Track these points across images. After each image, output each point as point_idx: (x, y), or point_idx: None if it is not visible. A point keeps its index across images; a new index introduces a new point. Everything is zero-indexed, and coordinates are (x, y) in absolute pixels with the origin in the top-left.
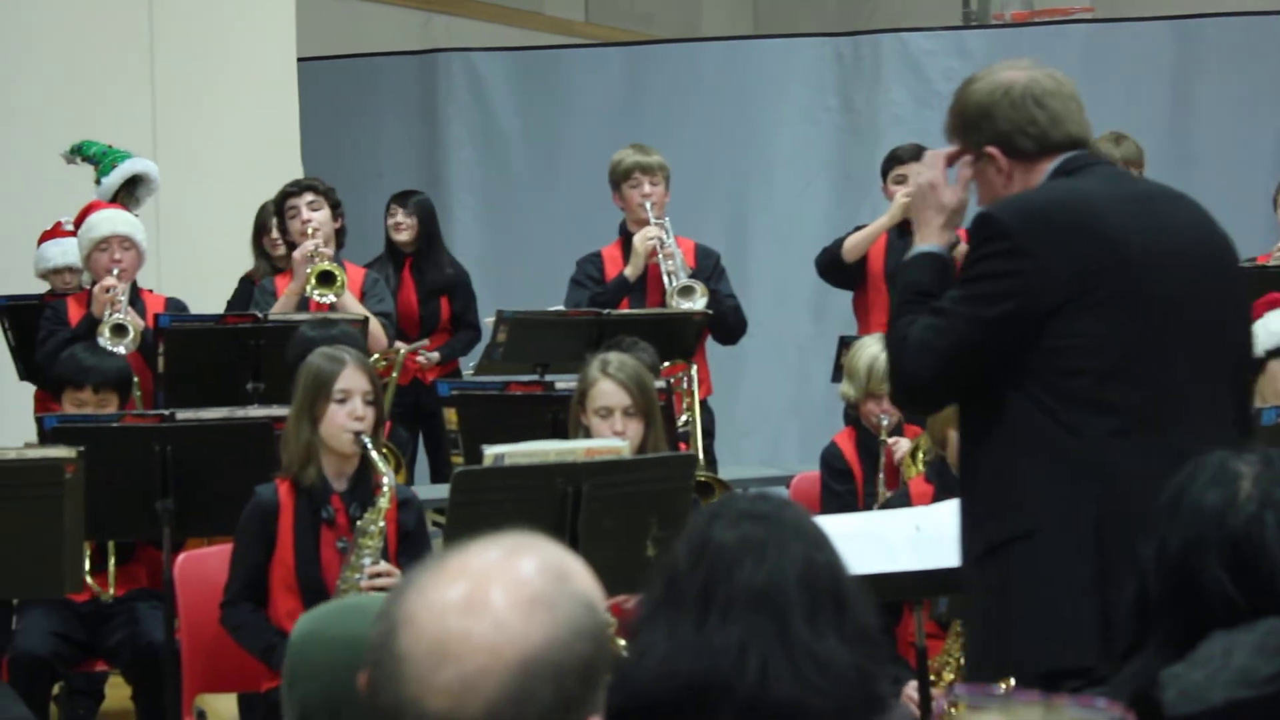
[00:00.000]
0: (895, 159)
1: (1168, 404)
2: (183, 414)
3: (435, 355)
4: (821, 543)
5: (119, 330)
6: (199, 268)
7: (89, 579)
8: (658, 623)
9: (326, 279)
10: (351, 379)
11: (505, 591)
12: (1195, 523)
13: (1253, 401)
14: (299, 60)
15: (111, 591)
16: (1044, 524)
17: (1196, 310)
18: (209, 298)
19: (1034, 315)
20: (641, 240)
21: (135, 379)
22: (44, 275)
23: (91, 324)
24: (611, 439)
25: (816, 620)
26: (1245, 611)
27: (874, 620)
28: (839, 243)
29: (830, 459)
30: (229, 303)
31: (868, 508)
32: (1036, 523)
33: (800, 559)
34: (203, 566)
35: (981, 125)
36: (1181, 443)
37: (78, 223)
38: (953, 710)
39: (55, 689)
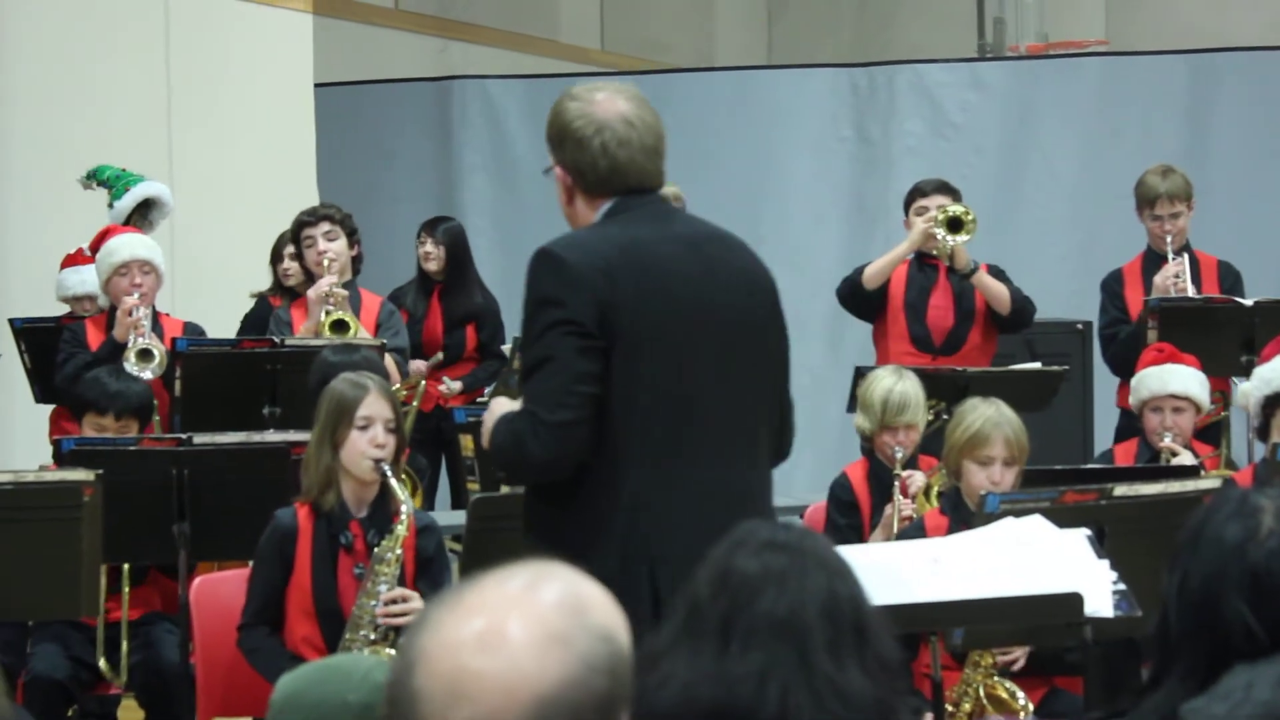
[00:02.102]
0: (918, 192)
1: (699, 440)
2: (200, 438)
3: (457, 385)
4: (844, 573)
5: (145, 355)
6: (213, 291)
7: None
8: (679, 651)
9: (339, 327)
10: (374, 406)
11: (522, 627)
12: (1216, 556)
13: (790, 434)
14: (315, 85)
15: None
16: (591, 554)
17: (730, 348)
18: (222, 321)
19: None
20: None
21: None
22: (65, 300)
23: (114, 348)
24: None
25: (838, 650)
26: (1267, 645)
27: (895, 651)
28: (859, 271)
29: (838, 490)
30: (245, 318)
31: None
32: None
33: (822, 589)
34: (218, 590)
35: (558, 145)
36: (712, 476)
37: (94, 247)
38: None
39: (69, 712)
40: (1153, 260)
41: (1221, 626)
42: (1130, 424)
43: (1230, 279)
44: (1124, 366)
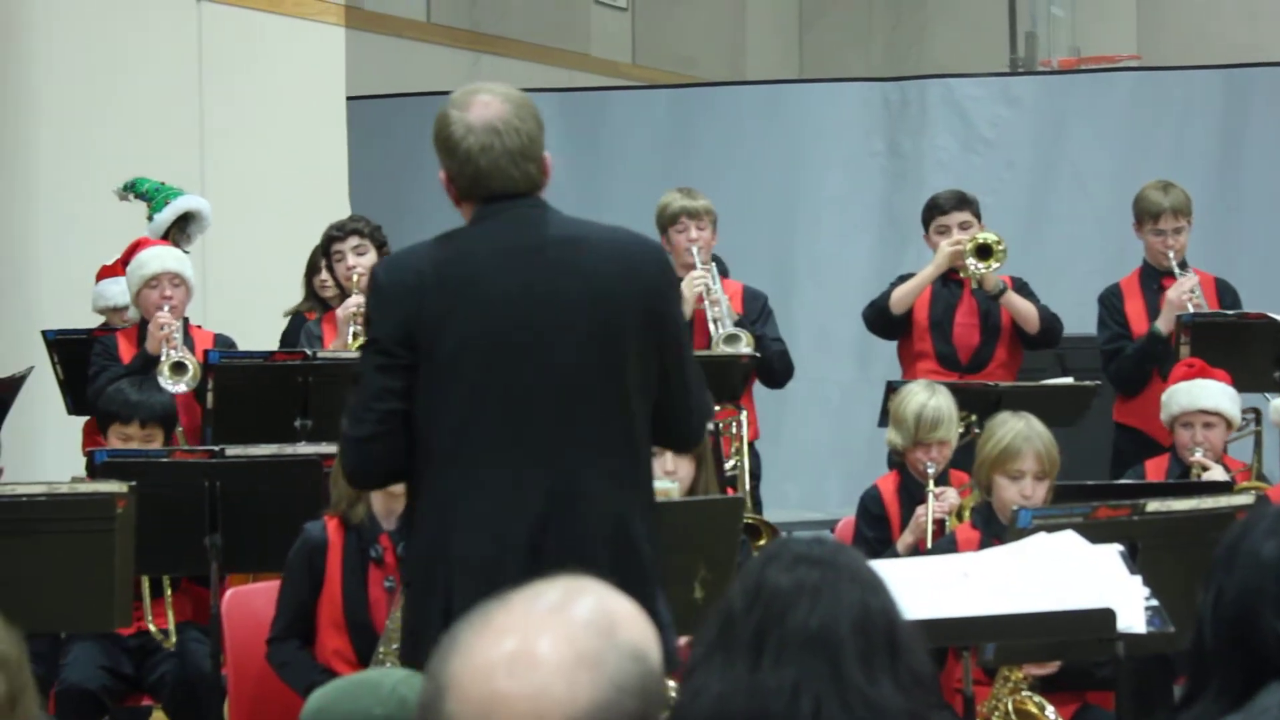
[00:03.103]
0: (936, 208)
1: (506, 444)
2: (232, 450)
3: None
4: (877, 587)
5: (179, 368)
6: (245, 304)
7: (151, 624)
8: (712, 664)
9: None
10: None
11: (552, 648)
12: (1252, 573)
13: (691, 419)
14: (348, 98)
15: (172, 629)
16: (413, 562)
17: (558, 353)
18: (255, 333)
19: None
20: (688, 286)
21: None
22: (102, 311)
23: (146, 361)
24: (661, 480)
25: (870, 664)
26: None
27: (928, 665)
28: (885, 295)
29: (868, 503)
30: (283, 335)
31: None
32: (412, 560)
33: (855, 603)
34: (250, 602)
35: (438, 151)
36: (523, 478)
37: (125, 260)
38: None
39: None
40: (1151, 275)
41: (1257, 643)
42: (1130, 442)
43: (1229, 297)
44: (1127, 383)
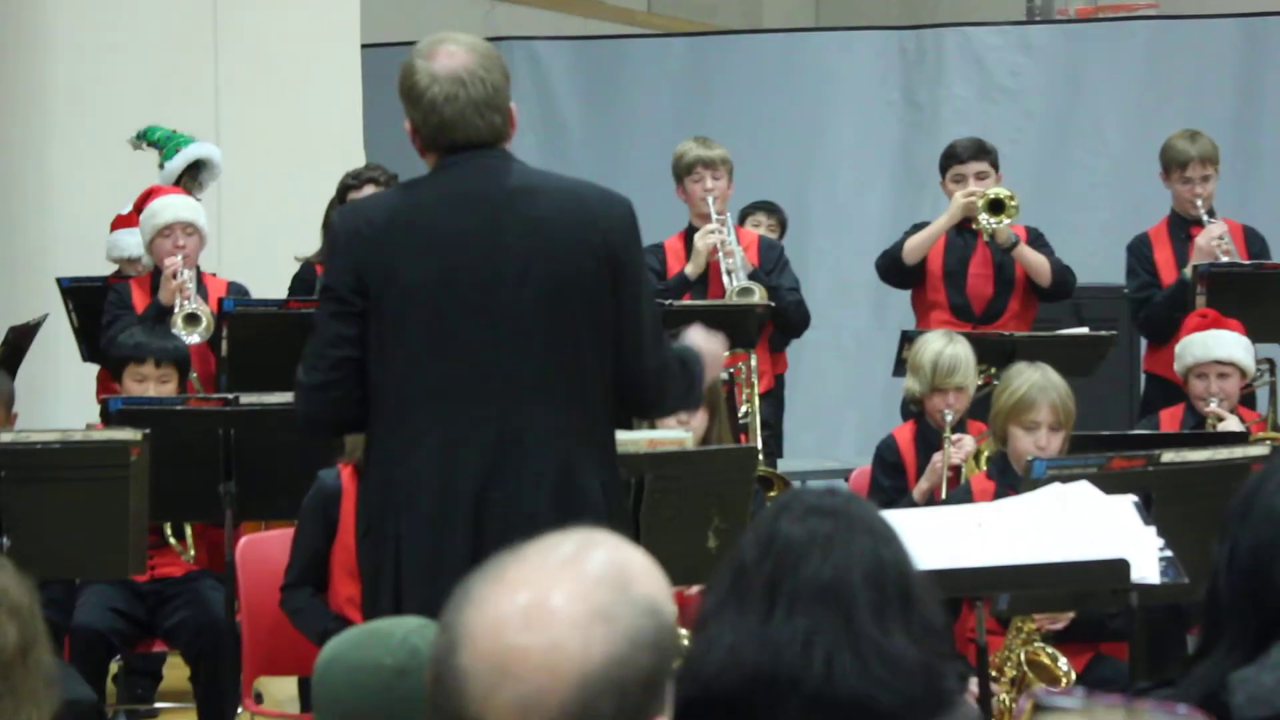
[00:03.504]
0: (953, 157)
1: (451, 395)
2: (246, 398)
3: None
4: (890, 538)
5: (192, 319)
6: (261, 252)
7: (174, 542)
8: (724, 615)
9: None
10: None
11: (566, 602)
12: (1266, 526)
13: (652, 385)
14: (363, 46)
15: (192, 553)
16: (366, 508)
17: (509, 303)
18: (270, 282)
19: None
20: (702, 239)
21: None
22: (116, 261)
23: (160, 311)
24: (675, 430)
25: (883, 616)
26: None
27: (941, 617)
28: (899, 245)
29: (884, 452)
30: (290, 287)
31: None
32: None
33: (868, 554)
34: (264, 549)
35: (404, 101)
36: (465, 430)
37: (138, 208)
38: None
39: (114, 669)
40: (1179, 224)
41: (1271, 596)
42: (1160, 391)
43: (1257, 244)
44: (1157, 331)
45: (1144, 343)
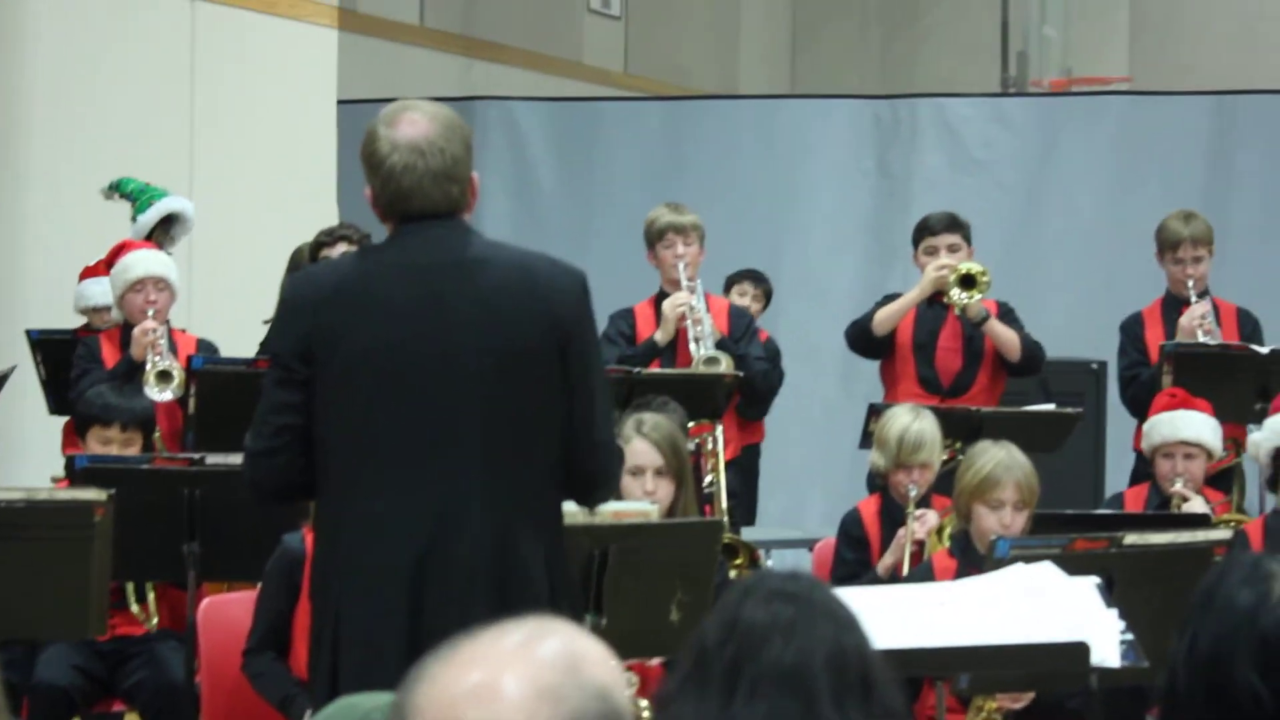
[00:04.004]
0: (926, 229)
1: (388, 471)
2: (212, 458)
3: None
4: (851, 625)
5: (164, 376)
6: (232, 308)
7: (136, 608)
8: (686, 698)
9: None
10: None
11: (515, 682)
12: (1226, 621)
13: (595, 461)
14: (339, 102)
15: (155, 620)
16: (313, 572)
17: (450, 378)
18: (241, 337)
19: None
20: (671, 306)
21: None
22: (84, 311)
23: (130, 366)
24: (640, 502)
25: (843, 702)
26: (1274, 712)
27: (900, 703)
28: (869, 315)
29: (849, 525)
30: (262, 343)
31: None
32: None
33: (829, 640)
34: (226, 611)
35: (364, 168)
36: (398, 507)
37: (109, 262)
38: None
39: None
40: (1172, 304)
41: (1230, 692)
42: (1145, 467)
43: (1249, 326)
44: (1143, 409)
45: (1133, 421)
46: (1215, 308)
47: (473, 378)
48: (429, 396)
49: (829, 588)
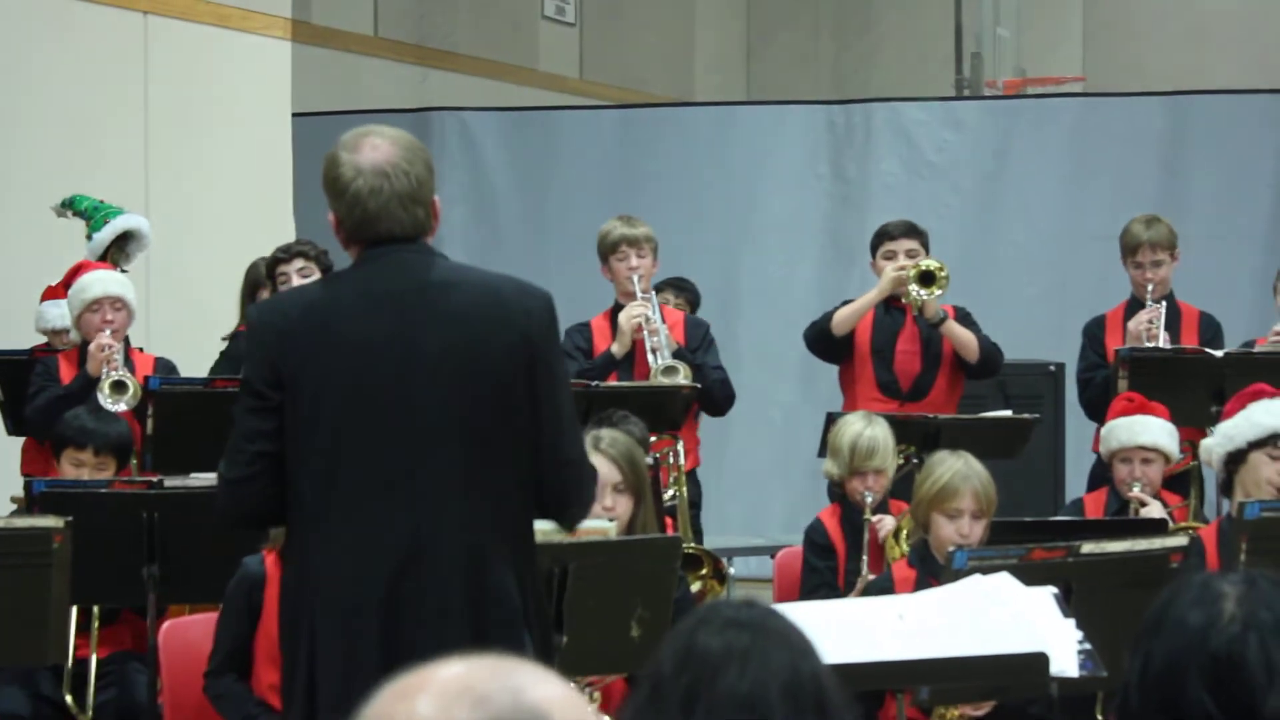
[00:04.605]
0: (885, 235)
1: (357, 496)
2: (171, 481)
3: None
4: (806, 651)
5: (119, 387)
6: (190, 324)
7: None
8: None
9: None
10: None
11: (468, 711)
12: (1178, 641)
13: (568, 484)
14: (294, 115)
15: (94, 655)
16: (285, 601)
17: (420, 402)
18: (199, 355)
19: (283, 405)
20: (626, 318)
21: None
22: (43, 332)
23: (87, 382)
24: (598, 520)
25: None
26: None
27: None
28: (828, 316)
29: (813, 535)
30: (220, 357)
31: (850, 585)
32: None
33: (785, 667)
34: (187, 634)
35: (327, 193)
36: (367, 532)
37: (66, 282)
38: None
39: None
40: (1136, 308)
41: (1182, 712)
42: (1103, 470)
43: (1210, 331)
44: (1099, 412)
45: (1092, 423)
46: (1178, 311)
47: (441, 403)
48: (397, 423)
49: (783, 615)
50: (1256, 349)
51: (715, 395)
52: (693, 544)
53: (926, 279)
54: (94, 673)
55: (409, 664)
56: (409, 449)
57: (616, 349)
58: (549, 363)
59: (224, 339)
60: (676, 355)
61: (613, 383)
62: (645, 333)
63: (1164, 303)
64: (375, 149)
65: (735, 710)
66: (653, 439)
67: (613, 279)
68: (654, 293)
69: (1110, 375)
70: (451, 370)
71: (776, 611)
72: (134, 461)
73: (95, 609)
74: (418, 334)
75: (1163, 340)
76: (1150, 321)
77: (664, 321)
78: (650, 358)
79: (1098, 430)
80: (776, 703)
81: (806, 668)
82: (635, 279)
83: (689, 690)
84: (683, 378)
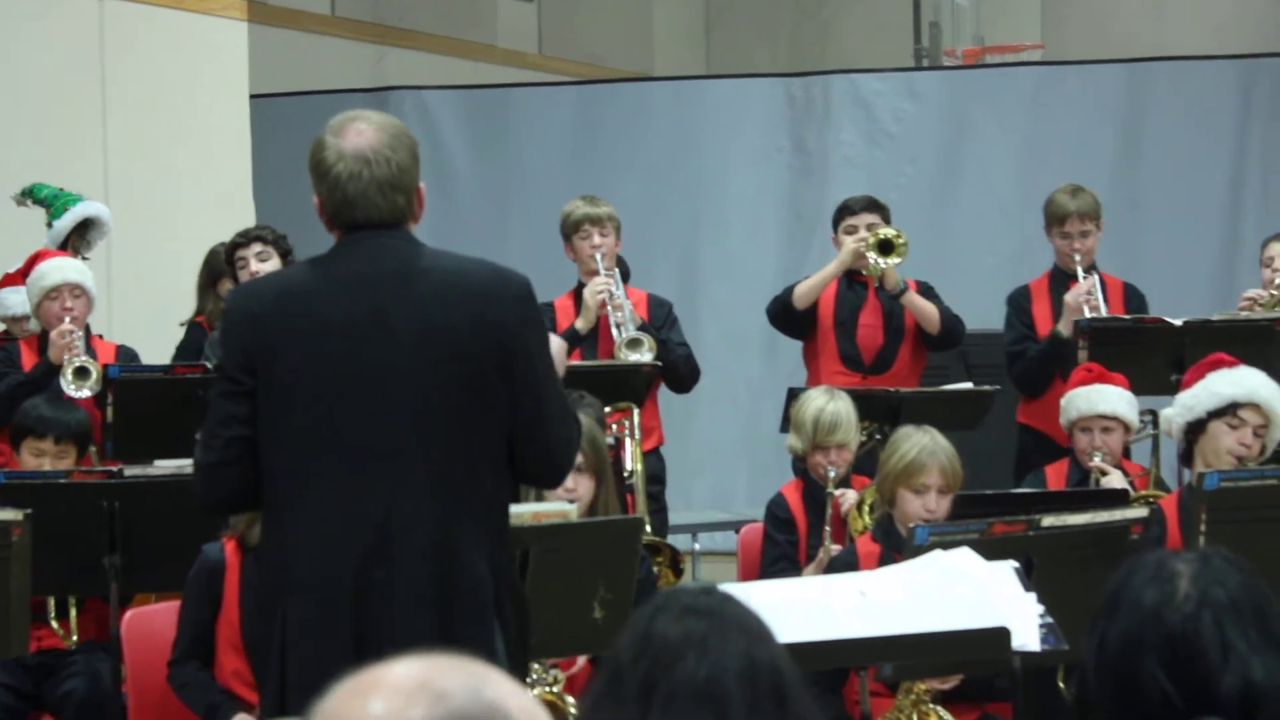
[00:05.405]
0: (846, 210)
1: (329, 475)
2: (131, 470)
3: None
4: (764, 638)
5: (81, 373)
6: (151, 309)
7: (55, 624)
8: (600, 715)
9: None
10: None
11: (424, 709)
12: (1133, 620)
13: (546, 457)
14: (252, 97)
15: (74, 638)
16: (260, 585)
17: (391, 384)
18: (161, 341)
19: (257, 389)
20: (591, 293)
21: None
22: (3, 320)
23: (49, 369)
24: (559, 503)
25: (757, 715)
26: (1183, 710)
27: (815, 713)
28: (789, 291)
29: (775, 509)
30: (179, 347)
31: (811, 560)
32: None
33: (742, 654)
34: (150, 623)
35: (312, 176)
36: (342, 510)
37: (25, 271)
38: None
39: None
40: (1059, 278)
41: (1138, 691)
42: (1034, 442)
43: (1135, 301)
44: (1031, 385)
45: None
46: (1102, 282)
47: (414, 388)
48: (370, 408)
49: (740, 601)
50: (1228, 314)
51: (680, 372)
52: (651, 535)
53: (885, 247)
54: (59, 662)
55: (381, 650)
56: (381, 435)
57: (581, 324)
58: (526, 348)
59: (181, 325)
60: (640, 330)
61: (575, 361)
62: (609, 307)
63: (1094, 273)
64: (360, 134)
65: (693, 698)
66: (607, 410)
67: (575, 258)
68: (617, 270)
69: (1044, 348)
70: (425, 355)
71: (734, 598)
72: (94, 448)
73: (60, 600)
74: (392, 318)
75: (1103, 309)
76: (1089, 293)
77: (627, 298)
78: (614, 331)
79: (1022, 401)
80: (734, 690)
81: (764, 654)
82: (599, 256)
83: (647, 678)
84: (647, 349)
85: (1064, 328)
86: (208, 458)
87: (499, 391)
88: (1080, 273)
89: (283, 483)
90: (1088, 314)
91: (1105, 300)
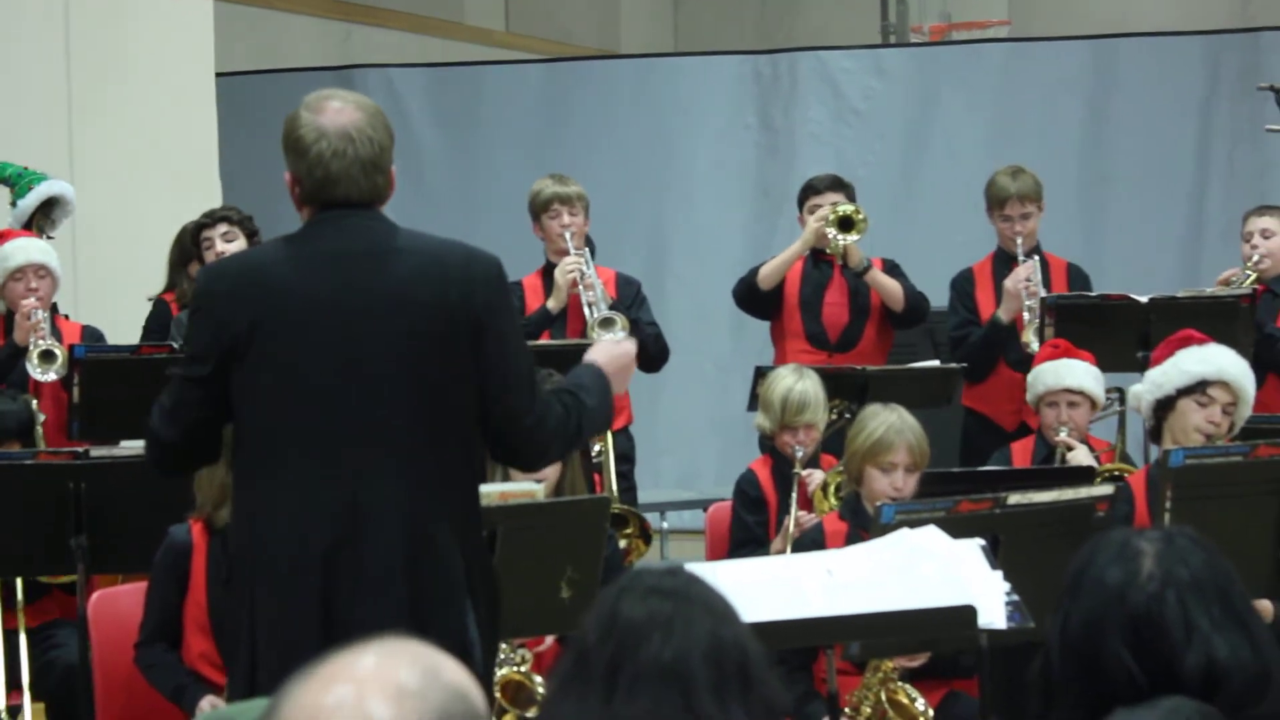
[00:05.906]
0: (811, 189)
1: (297, 454)
2: (97, 451)
3: None
4: (728, 618)
5: (47, 356)
6: (116, 288)
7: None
8: (567, 696)
9: None
10: None
11: (379, 690)
12: (1097, 600)
13: (521, 436)
14: (218, 75)
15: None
16: (230, 560)
17: (360, 363)
18: (127, 319)
19: (227, 369)
20: (561, 272)
21: (42, 417)
22: None
23: (14, 351)
24: (526, 483)
25: (723, 695)
26: (1147, 689)
27: (781, 695)
28: (754, 272)
29: (745, 486)
30: (146, 323)
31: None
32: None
33: (707, 635)
34: (117, 604)
35: (286, 152)
36: (309, 491)
37: None
38: None
39: None
40: (1003, 261)
41: (1102, 670)
42: (977, 425)
43: (1079, 283)
44: (974, 370)
45: None
46: (1046, 263)
47: (385, 366)
48: (340, 389)
49: (706, 582)
50: (1193, 291)
51: (650, 351)
52: (620, 504)
53: (845, 224)
54: (27, 642)
55: (349, 632)
56: (351, 416)
57: (553, 304)
58: (497, 328)
59: (149, 299)
60: (611, 309)
61: (545, 340)
62: (581, 287)
63: (1035, 256)
64: (340, 112)
65: (659, 678)
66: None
67: (544, 238)
68: (587, 249)
69: (986, 334)
70: (396, 333)
71: (699, 578)
72: (38, 431)
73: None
74: (364, 297)
75: (1041, 294)
76: (1028, 279)
77: (598, 277)
78: (586, 311)
79: (968, 385)
80: (699, 670)
81: (729, 634)
82: (569, 235)
83: (613, 659)
84: (620, 329)
85: (1004, 314)
86: (168, 434)
87: (470, 373)
88: (1020, 255)
89: (253, 462)
90: (1026, 300)
91: (1049, 281)
